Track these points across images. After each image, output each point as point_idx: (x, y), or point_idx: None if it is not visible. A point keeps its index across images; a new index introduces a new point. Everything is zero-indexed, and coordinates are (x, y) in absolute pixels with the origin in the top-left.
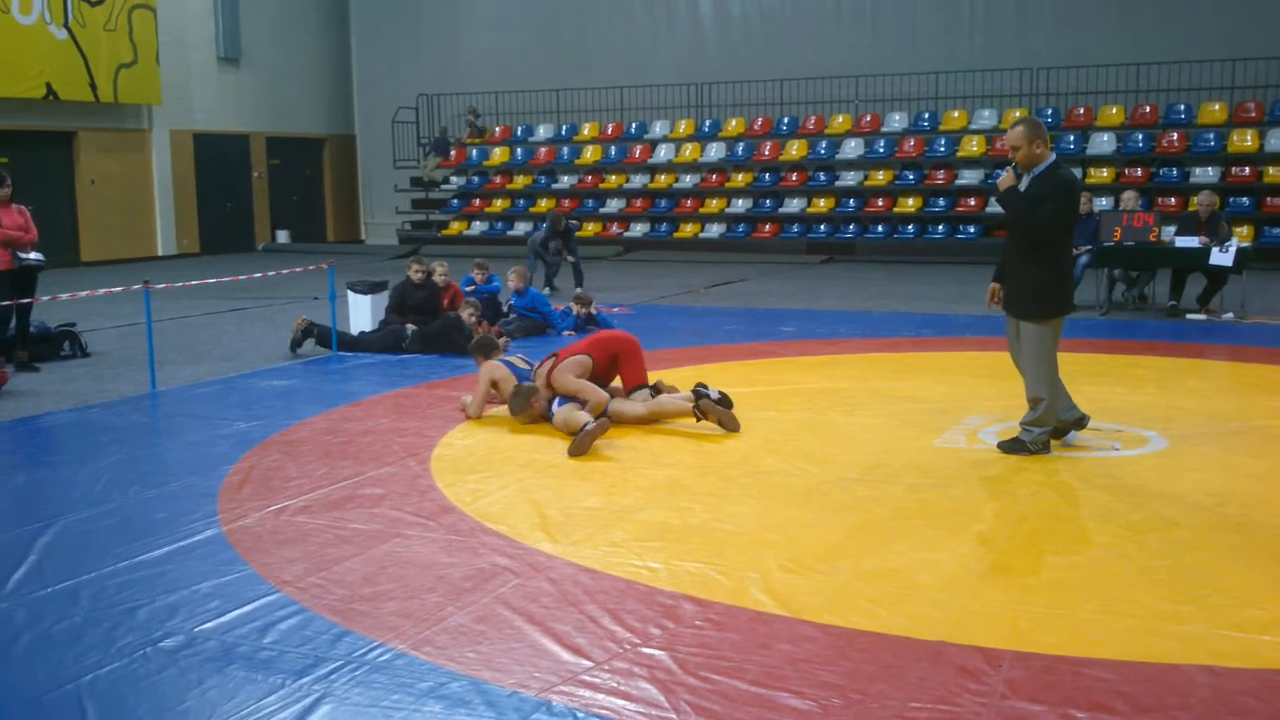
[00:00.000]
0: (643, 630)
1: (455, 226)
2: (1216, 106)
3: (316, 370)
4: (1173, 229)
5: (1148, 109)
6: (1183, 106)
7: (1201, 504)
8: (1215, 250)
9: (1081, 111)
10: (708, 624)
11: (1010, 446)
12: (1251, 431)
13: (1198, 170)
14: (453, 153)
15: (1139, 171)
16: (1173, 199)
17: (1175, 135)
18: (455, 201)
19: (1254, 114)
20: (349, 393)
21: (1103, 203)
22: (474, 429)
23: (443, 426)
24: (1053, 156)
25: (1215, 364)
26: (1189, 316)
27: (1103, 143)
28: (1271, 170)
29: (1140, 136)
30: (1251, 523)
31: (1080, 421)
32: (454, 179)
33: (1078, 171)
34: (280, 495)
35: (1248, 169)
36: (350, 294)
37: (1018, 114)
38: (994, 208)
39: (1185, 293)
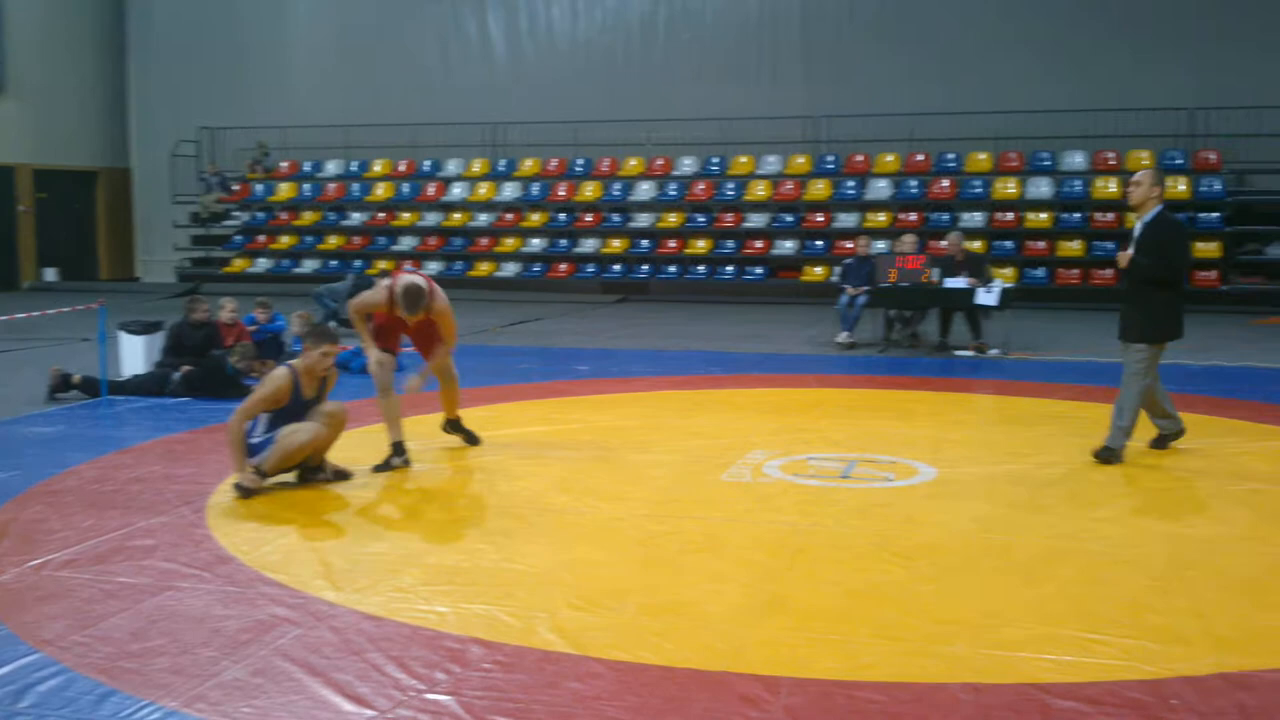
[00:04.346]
0: (428, 676)
1: (238, 264)
2: (983, 156)
3: (85, 416)
4: (939, 270)
5: (921, 157)
6: (953, 155)
7: (967, 530)
8: (981, 291)
9: (860, 159)
10: (495, 666)
11: (1102, 454)
12: (1013, 460)
13: (966, 215)
14: (235, 187)
15: (913, 216)
16: (944, 242)
17: (946, 182)
18: (238, 238)
19: (1016, 163)
20: (120, 439)
21: (879, 246)
22: None
23: (220, 472)
24: (1160, 205)
25: (981, 397)
26: (958, 353)
27: (880, 189)
28: (1031, 216)
29: (914, 183)
30: (1012, 546)
31: (1179, 433)
32: (237, 214)
33: (854, 216)
34: (42, 549)
35: (1011, 214)
36: (122, 335)
37: (800, 160)
38: (780, 249)
39: (953, 331)
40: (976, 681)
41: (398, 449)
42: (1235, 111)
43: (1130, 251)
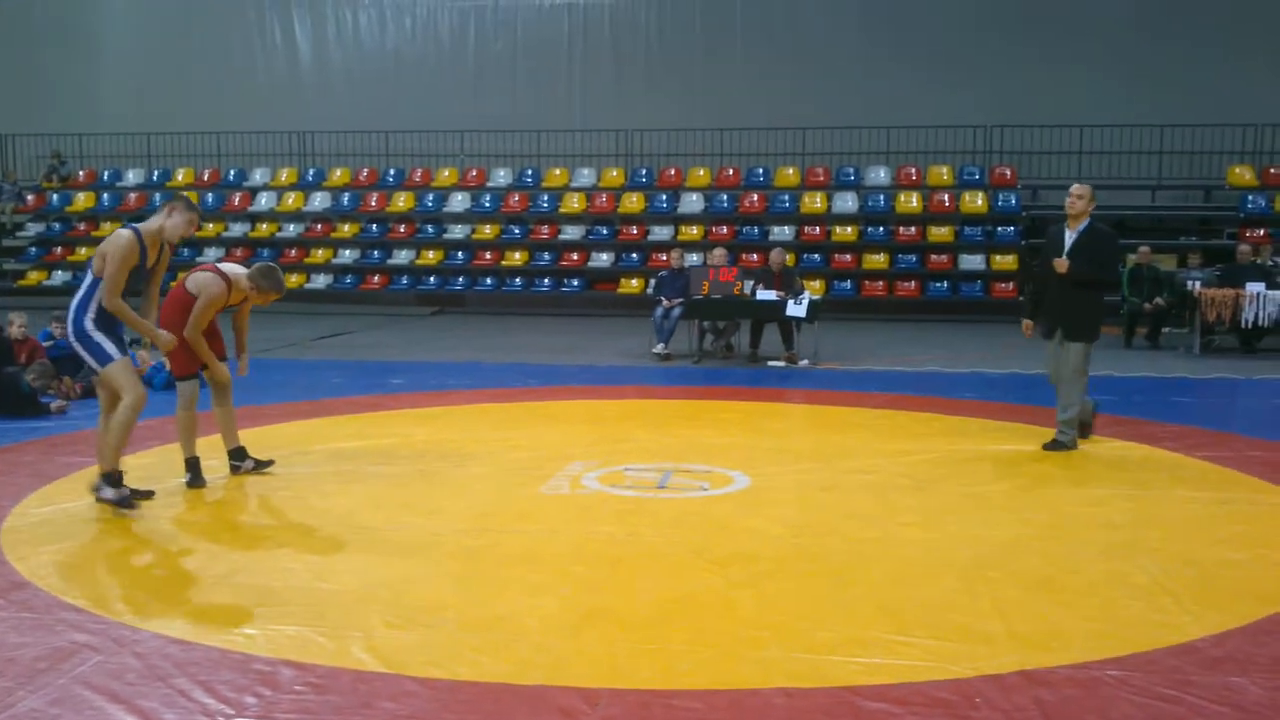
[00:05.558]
0: (237, 700)
1: (33, 276)
2: (791, 171)
3: None
4: (751, 283)
5: (731, 172)
6: (762, 170)
7: (780, 536)
8: (791, 302)
9: (673, 173)
10: (307, 688)
11: (1053, 446)
12: (823, 467)
13: (776, 229)
14: (29, 198)
15: (725, 230)
16: (755, 255)
17: (756, 197)
18: (33, 249)
19: (822, 178)
20: None
21: (693, 259)
22: (52, 495)
23: (16, 494)
24: (1090, 217)
25: (792, 406)
26: (770, 363)
27: (692, 202)
28: (838, 229)
29: (725, 197)
30: (823, 551)
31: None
32: (31, 225)
33: (668, 229)
34: None
35: (818, 228)
36: None
37: (614, 173)
38: (596, 262)
39: (764, 342)
40: (789, 686)
41: (192, 464)
42: (1028, 129)
43: (1065, 259)
